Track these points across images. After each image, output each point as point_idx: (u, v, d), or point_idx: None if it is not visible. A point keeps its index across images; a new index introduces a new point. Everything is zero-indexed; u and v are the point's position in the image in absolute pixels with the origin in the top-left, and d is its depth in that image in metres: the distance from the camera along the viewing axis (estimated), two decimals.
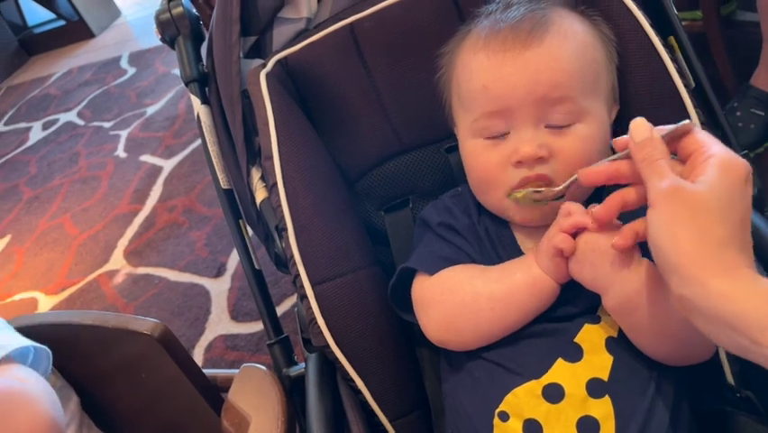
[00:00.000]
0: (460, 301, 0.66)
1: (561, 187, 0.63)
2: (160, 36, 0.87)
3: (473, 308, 0.65)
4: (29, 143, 3.20)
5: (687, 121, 0.54)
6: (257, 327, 1.71)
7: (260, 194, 0.81)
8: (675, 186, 0.49)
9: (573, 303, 0.64)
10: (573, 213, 0.60)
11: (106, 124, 3.05)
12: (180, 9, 0.85)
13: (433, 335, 0.69)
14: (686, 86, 0.69)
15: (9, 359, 0.73)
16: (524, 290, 0.63)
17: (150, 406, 0.84)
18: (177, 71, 3.21)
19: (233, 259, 1.95)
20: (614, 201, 0.57)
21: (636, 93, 0.71)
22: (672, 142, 0.54)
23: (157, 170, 2.53)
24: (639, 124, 0.54)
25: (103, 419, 0.86)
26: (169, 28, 0.86)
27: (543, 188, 0.64)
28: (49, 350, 0.78)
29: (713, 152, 0.51)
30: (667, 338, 0.59)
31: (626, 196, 0.57)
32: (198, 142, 2.59)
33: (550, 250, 0.61)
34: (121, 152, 2.77)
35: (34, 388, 0.71)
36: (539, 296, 0.63)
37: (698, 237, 0.47)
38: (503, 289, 0.64)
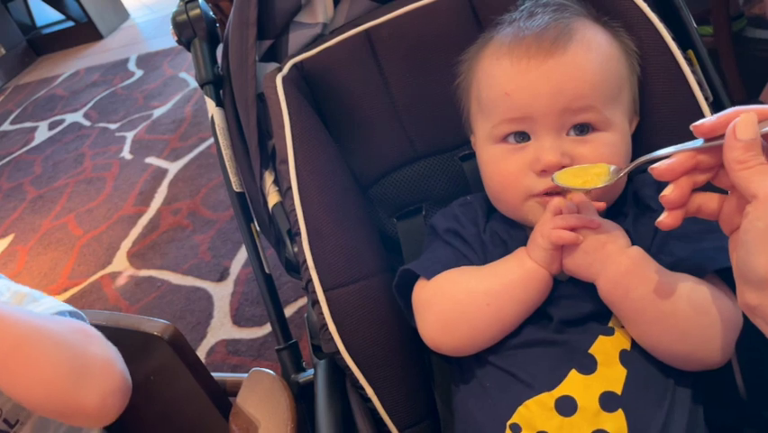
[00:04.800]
0: (454, 300, 0.66)
1: (605, 184, 0.59)
2: (176, 38, 0.87)
3: (468, 306, 0.65)
4: (34, 143, 3.21)
5: None
6: (259, 332, 1.70)
7: (273, 198, 0.81)
8: None
9: (579, 305, 0.64)
10: (565, 211, 0.63)
11: (112, 126, 3.06)
12: (197, 11, 0.85)
13: (428, 337, 0.68)
14: (705, 98, 0.70)
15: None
16: (518, 283, 0.64)
17: (158, 408, 0.83)
18: (184, 75, 3.27)
19: (237, 263, 1.95)
20: (685, 184, 0.51)
21: (656, 103, 0.72)
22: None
23: (162, 173, 2.53)
24: (749, 122, 0.47)
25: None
26: (186, 30, 0.86)
27: (591, 187, 0.61)
28: (83, 315, 0.77)
29: None
30: (663, 326, 0.59)
31: (697, 178, 0.51)
32: (204, 145, 2.59)
33: (546, 244, 0.62)
34: (126, 154, 2.77)
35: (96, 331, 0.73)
36: (534, 288, 0.64)
37: None
38: (498, 284, 0.65)
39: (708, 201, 0.52)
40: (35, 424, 0.77)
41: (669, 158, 0.51)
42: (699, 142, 0.50)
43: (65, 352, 0.66)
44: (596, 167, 0.60)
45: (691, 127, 0.50)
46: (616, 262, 0.60)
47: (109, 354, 0.70)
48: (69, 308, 0.75)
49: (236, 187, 0.85)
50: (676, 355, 0.60)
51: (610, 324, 0.64)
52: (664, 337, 0.60)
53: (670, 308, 0.58)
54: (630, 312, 0.60)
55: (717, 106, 0.72)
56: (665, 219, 0.52)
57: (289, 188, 0.75)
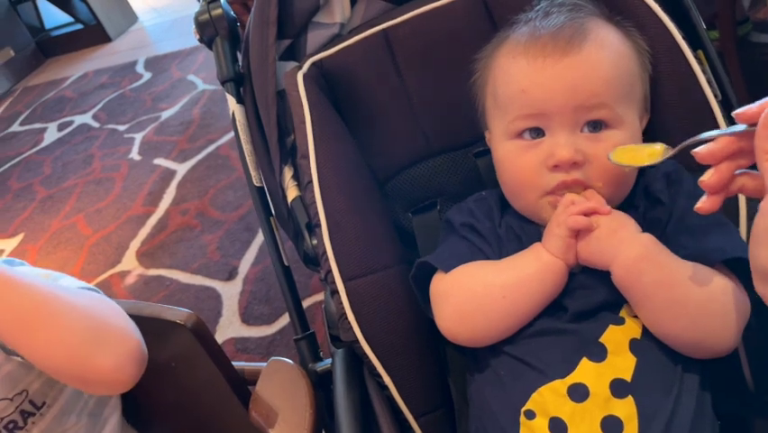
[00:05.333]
0: (471, 292, 0.68)
1: (654, 162, 0.60)
2: (198, 36, 0.89)
3: (485, 299, 0.67)
4: (44, 144, 3.24)
5: None
6: (267, 330, 1.72)
7: (292, 192, 0.83)
8: None
9: (593, 295, 0.66)
10: (577, 202, 0.65)
11: (121, 127, 3.09)
12: (219, 11, 0.87)
13: (445, 328, 0.70)
14: (715, 96, 0.72)
15: None
16: (534, 276, 0.66)
17: (180, 394, 0.85)
18: (192, 77, 3.30)
19: (245, 263, 1.97)
20: (726, 169, 0.50)
21: (666, 102, 0.73)
22: None
23: (171, 174, 2.56)
24: None
25: (128, 408, 0.87)
26: (208, 29, 0.88)
27: (642, 165, 0.62)
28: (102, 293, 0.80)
29: None
30: (674, 312, 0.61)
31: (740, 161, 0.51)
32: (212, 147, 2.62)
33: (563, 231, 0.64)
34: (135, 155, 2.80)
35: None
36: (551, 280, 0.66)
37: None
38: (514, 277, 0.67)
39: (750, 180, 0.51)
40: (62, 407, 0.78)
41: (711, 142, 0.50)
42: (743, 127, 0.49)
43: (83, 316, 0.68)
44: (650, 146, 0.61)
45: (733, 114, 0.50)
46: (628, 248, 0.62)
47: (126, 323, 0.72)
48: (89, 286, 0.78)
49: (256, 181, 0.87)
50: (686, 342, 0.62)
51: (621, 314, 0.65)
52: (676, 323, 0.61)
53: (681, 295, 0.60)
54: (642, 298, 0.62)
55: (726, 105, 0.74)
56: (704, 204, 0.52)
57: (310, 181, 0.77)
